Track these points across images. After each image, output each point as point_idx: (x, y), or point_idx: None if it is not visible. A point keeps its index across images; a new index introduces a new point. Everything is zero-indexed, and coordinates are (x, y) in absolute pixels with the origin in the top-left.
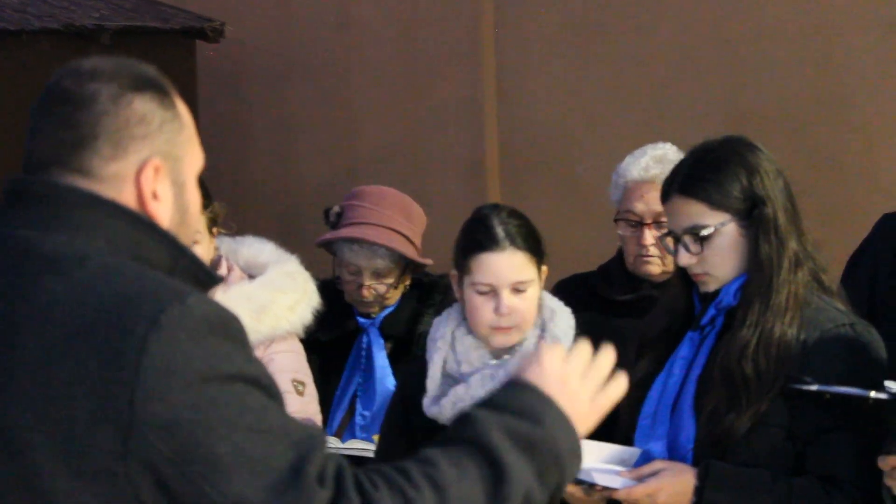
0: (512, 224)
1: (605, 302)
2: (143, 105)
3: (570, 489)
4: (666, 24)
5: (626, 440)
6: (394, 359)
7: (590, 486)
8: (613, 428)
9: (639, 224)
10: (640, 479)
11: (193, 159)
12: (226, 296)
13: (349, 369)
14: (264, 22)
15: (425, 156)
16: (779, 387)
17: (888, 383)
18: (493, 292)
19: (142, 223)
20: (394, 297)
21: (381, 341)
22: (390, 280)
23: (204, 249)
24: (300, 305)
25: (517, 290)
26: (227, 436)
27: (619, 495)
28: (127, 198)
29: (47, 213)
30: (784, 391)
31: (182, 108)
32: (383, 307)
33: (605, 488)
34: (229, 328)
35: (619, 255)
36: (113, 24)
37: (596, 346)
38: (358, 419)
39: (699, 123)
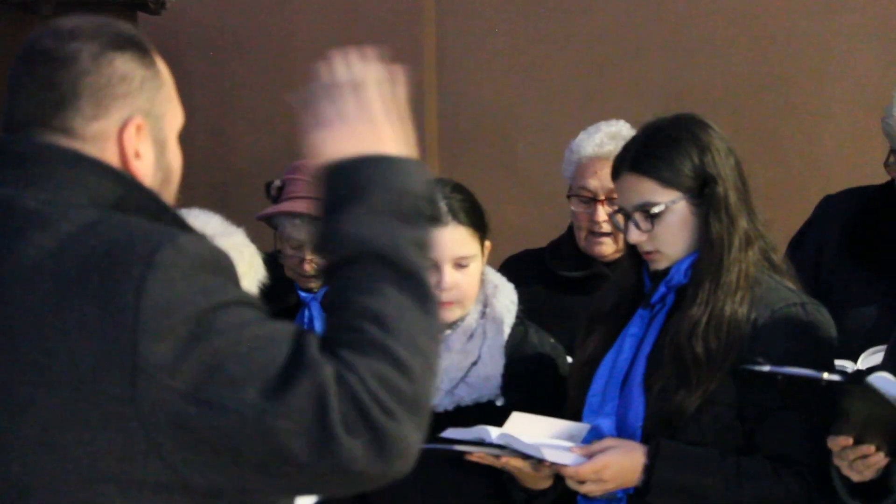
0: (455, 199)
1: (555, 278)
2: (124, 64)
3: (519, 464)
4: (608, 2)
5: (575, 416)
6: None
7: (538, 462)
8: (562, 403)
9: (591, 200)
10: (590, 456)
11: (174, 117)
12: None
13: None
14: None
15: None
16: (728, 365)
17: (839, 363)
18: (434, 267)
19: (125, 180)
20: None
21: (324, 315)
22: None
23: None
24: (246, 278)
25: (459, 265)
26: (232, 351)
27: (567, 472)
28: (110, 157)
29: (30, 172)
30: (735, 372)
31: (162, 65)
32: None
33: (554, 464)
34: (220, 263)
35: (570, 232)
36: None
37: (540, 322)
38: None
39: (640, 102)
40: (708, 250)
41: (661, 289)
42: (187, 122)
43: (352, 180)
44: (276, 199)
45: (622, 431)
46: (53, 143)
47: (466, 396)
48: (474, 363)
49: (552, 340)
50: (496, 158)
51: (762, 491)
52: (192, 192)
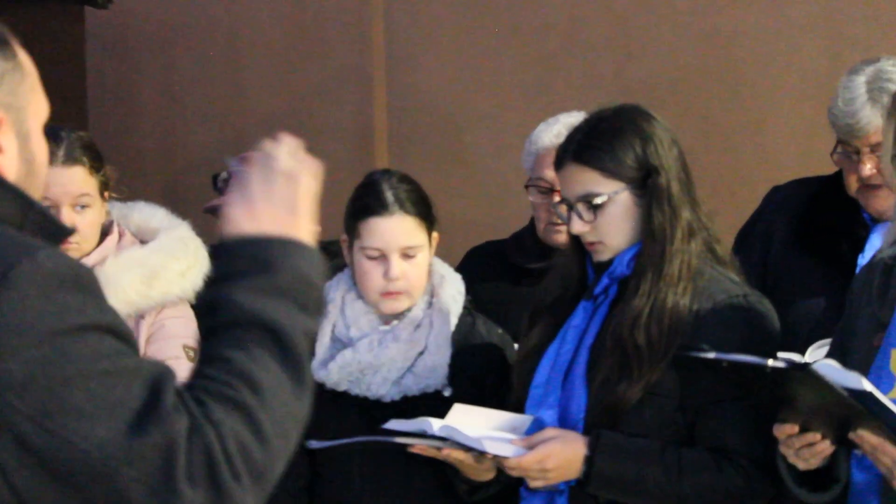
0: (402, 189)
1: (516, 269)
2: None
3: (461, 456)
4: (557, 0)
5: (518, 408)
6: None
7: (480, 454)
8: (506, 395)
9: (549, 191)
10: (531, 448)
11: (38, 108)
12: (116, 261)
13: None
14: None
15: (313, 123)
16: (671, 357)
17: (787, 355)
18: (382, 257)
19: None
20: None
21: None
22: None
23: (95, 213)
24: (192, 271)
25: (407, 255)
26: (83, 384)
27: (509, 463)
28: None
29: None
30: (679, 359)
31: (24, 56)
32: None
33: (496, 456)
34: (80, 280)
35: (532, 223)
36: None
37: (504, 314)
38: None
39: (588, 95)
40: (650, 241)
41: (604, 280)
42: (137, 116)
43: (262, 254)
44: (223, 192)
45: (564, 423)
46: None
47: (413, 386)
48: (421, 353)
49: (500, 331)
50: (445, 151)
51: (703, 483)
52: (143, 184)
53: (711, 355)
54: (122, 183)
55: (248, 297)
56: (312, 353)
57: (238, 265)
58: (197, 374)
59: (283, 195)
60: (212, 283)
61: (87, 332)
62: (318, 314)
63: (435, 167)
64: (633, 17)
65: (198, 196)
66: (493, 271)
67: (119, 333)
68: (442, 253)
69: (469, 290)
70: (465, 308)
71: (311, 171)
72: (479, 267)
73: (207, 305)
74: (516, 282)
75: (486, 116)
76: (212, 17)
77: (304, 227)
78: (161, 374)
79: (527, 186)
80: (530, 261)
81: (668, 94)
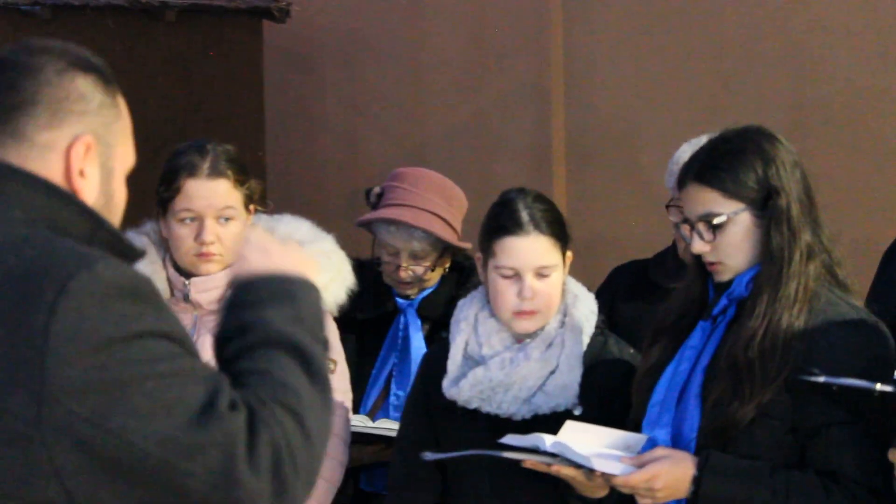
0: (537, 209)
1: (656, 288)
2: (85, 84)
3: (570, 472)
4: (731, 16)
5: (637, 427)
6: (430, 340)
7: (589, 471)
8: (626, 414)
9: None
10: (641, 466)
11: (125, 152)
12: None
13: (386, 349)
14: (334, 2)
15: (491, 140)
16: (783, 378)
17: None
18: (516, 276)
19: (58, 194)
20: (432, 279)
21: (419, 322)
22: (428, 262)
23: (239, 225)
24: (334, 284)
25: (541, 274)
26: (140, 386)
27: (616, 481)
28: (53, 168)
29: None
30: (790, 382)
31: (122, 102)
32: (422, 289)
33: (604, 473)
34: (139, 290)
35: (675, 243)
36: (178, 1)
37: (641, 332)
38: (392, 399)
39: (762, 115)
40: (768, 263)
41: (723, 301)
42: (320, 129)
43: (285, 288)
44: (375, 206)
45: (677, 443)
46: None
47: (544, 405)
48: (552, 372)
49: (632, 350)
50: (621, 170)
51: None
52: (325, 196)
53: (821, 379)
54: (304, 197)
55: (277, 321)
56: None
57: (263, 294)
58: (246, 385)
59: (290, 249)
60: (238, 307)
61: (143, 338)
62: (322, 343)
63: (611, 185)
64: (808, 38)
65: None
66: (634, 289)
67: (177, 339)
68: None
69: (610, 307)
70: (597, 328)
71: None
72: (620, 285)
73: (238, 327)
74: (656, 300)
75: (661, 136)
76: (394, 31)
77: (311, 270)
78: (216, 376)
79: (668, 206)
80: (670, 280)
81: (842, 115)
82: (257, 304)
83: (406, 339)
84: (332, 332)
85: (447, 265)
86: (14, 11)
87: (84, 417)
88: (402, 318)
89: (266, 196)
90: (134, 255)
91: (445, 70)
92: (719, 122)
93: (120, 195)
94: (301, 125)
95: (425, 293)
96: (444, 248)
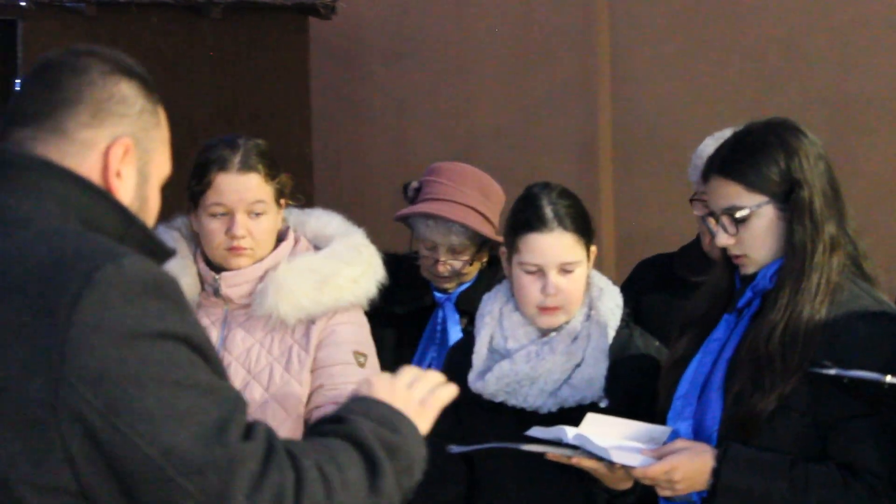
0: (561, 204)
1: (681, 282)
2: (129, 88)
3: (591, 464)
4: (774, 12)
5: (663, 419)
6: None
7: (610, 464)
8: (652, 407)
9: None
10: (660, 458)
11: (162, 161)
12: (289, 266)
13: (424, 343)
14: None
15: (539, 134)
16: (804, 371)
17: None
18: (540, 272)
19: (92, 189)
20: (470, 273)
21: (457, 316)
22: (466, 256)
23: (270, 220)
24: (364, 277)
25: (564, 270)
26: (155, 389)
27: (636, 473)
28: (90, 166)
29: (9, 179)
30: (809, 375)
31: (162, 113)
32: (460, 283)
33: (624, 465)
34: (163, 288)
35: (699, 237)
36: None
37: (666, 326)
38: None
39: (806, 109)
40: (791, 255)
41: (748, 293)
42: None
43: (395, 421)
44: (413, 201)
45: (699, 435)
46: (24, 150)
47: (570, 398)
48: (578, 365)
49: (657, 343)
50: (667, 165)
51: (830, 499)
52: (371, 195)
53: (832, 371)
54: (352, 193)
55: (371, 435)
56: None
57: (371, 413)
58: (309, 441)
59: (422, 392)
60: (345, 409)
61: (164, 338)
62: (403, 492)
63: (657, 180)
64: (851, 32)
65: None
66: (659, 283)
67: (197, 345)
68: None
69: (635, 301)
70: (622, 321)
71: (450, 393)
72: (645, 279)
73: (336, 418)
74: (681, 294)
75: (705, 131)
76: (441, 28)
77: (425, 423)
78: (233, 399)
79: (692, 200)
80: (695, 274)
81: (885, 109)
82: (361, 415)
83: (444, 333)
84: (364, 326)
85: (485, 259)
86: (60, 9)
87: (96, 408)
88: (440, 312)
89: (297, 191)
90: (165, 254)
91: (492, 66)
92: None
93: (154, 202)
94: (349, 121)
95: (463, 287)
96: (481, 242)
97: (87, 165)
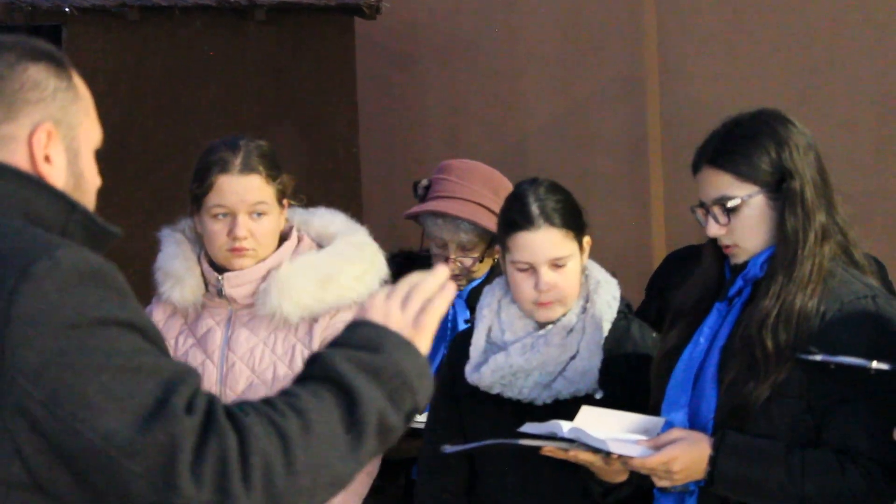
0: (549, 200)
1: None
2: (38, 73)
3: (588, 457)
4: (820, 5)
5: (656, 410)
6: None
7: (607, 455)
8: (648, 398)
9: None
10: (658, 448)
11: (89, 130)
12: (292, 265)
13: (435, 340)
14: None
15: (588, 130)
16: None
17: None
18: (531, 269)
19: (30, 181)
20: (480, 270)
21: (467, 314)
22: (476, 254)
23: (272, 220)
24: (368, 276)
25: (555, 265)
26: (95, 377)
27: (634, 464)
28: (19, 159)
29: None
30: (797, 361)
31: (79, 81)
32: (470, 280)
33: (622, 456)
34: (101, 276)
35: None
36: (268, 0)
37: None
38: None
39: (850, 103)
40: (783, 244)
41: (738, 282)
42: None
43: (375, 339)
44: (423, 198)
45: (694, 424)
46: None
47: (564, 390)
48: (572, 357)
49: (654, 335)
50: None
51: (826, 485)
52: None
53: (818, 357)
54: (405, 191)
55: (344, 362)
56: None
57: (351, 339)
58: (264, 399)
59: (416, 309)
60: (326, 346)
61: (104, 325)
62: (403, 412)
63: None
64: (895, 29)
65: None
66: (688, 274)
67: (143, 331)
68: None
69: (663, 292)
70: (620, 313)
71: (447, 298)
72: (673, 271)
73: (311, 359)
74: None
75: None
76: (489, 26)
77: (421, 340)
78: (180, 374)
79: None
80: None
81: None
82: (340, 345)
83: (455, 330)
84: None
85: (496, 256)
86: (103, 13)
87: (38, 400)
88: (450, 309)
89: (300, 191)
90: (109, 235)
91: (541, 64)
92: (810, 110)
93: (90, 174)
94: (398, 121)
95: (473, 284)
96: (491, 239)
97: (16, 159)
